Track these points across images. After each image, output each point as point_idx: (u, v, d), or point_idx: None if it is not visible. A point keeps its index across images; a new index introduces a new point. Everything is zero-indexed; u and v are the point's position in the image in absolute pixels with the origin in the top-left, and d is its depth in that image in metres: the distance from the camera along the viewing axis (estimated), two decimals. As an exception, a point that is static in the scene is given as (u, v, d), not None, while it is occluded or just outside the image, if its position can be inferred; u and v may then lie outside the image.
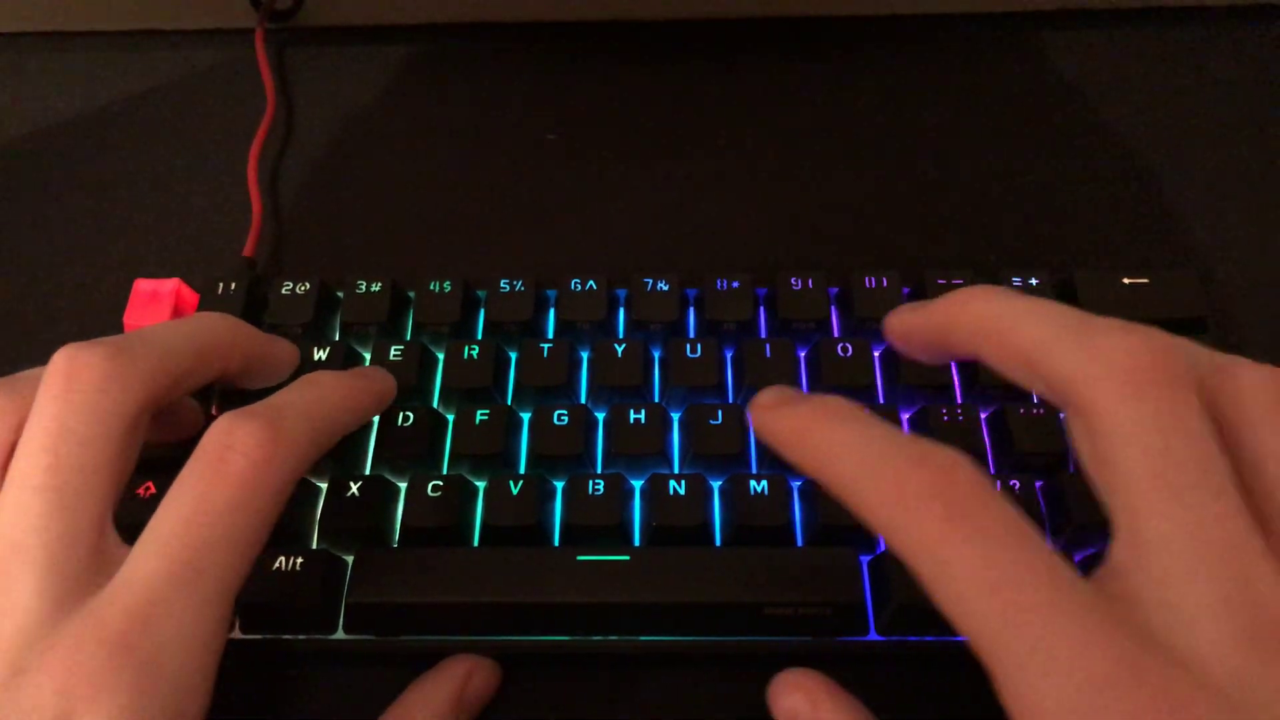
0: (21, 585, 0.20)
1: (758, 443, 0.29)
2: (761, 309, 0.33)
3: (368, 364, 0.31)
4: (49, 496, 0.21)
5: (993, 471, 0.29)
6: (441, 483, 0.28)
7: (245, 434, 0.22)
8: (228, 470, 0.21)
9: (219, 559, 0.21)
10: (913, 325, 0.24)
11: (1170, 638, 0.16)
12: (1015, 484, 0.28)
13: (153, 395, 0.23)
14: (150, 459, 0.24)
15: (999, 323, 0.21)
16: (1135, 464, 0.18)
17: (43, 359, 0.35)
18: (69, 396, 0.21)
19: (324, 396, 0.25)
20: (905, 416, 0.30)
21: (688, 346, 0.31)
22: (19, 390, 0.23)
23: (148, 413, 0.23)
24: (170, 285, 0.33)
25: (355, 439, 0.30)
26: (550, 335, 0.33)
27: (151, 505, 0.24)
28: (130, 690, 0.19)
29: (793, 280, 0.32)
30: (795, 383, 0.30)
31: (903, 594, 0.26)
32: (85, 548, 0.21)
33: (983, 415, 0.30)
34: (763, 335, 0.33)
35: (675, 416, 0.31)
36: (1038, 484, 0.28)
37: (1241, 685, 0.16)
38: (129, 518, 0.22)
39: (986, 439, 0.29)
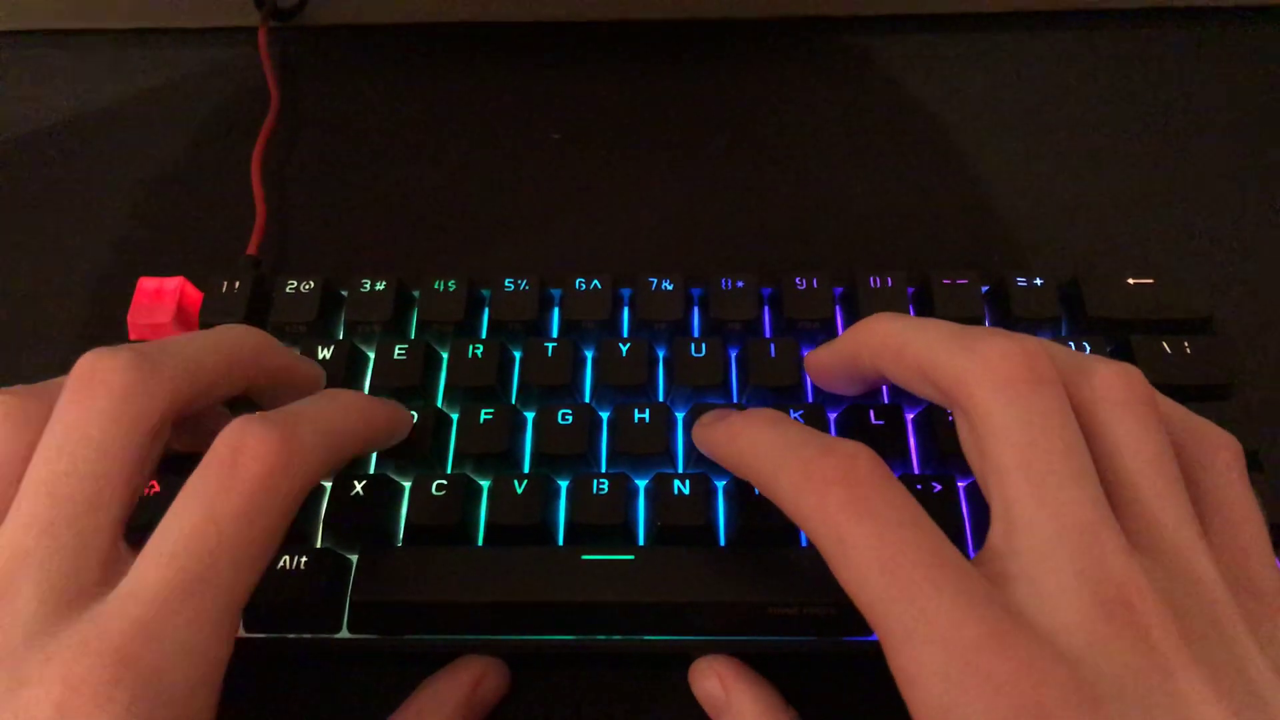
0: (26, 593, 0.19)
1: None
2: (766, 309, 0.33)
3: (372, 363, 0.31)
4: (61, 505, 0.20)
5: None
6: (446, 482, 0.28)
7: (257, 439, 0.21)
8: (238, 476, 0.21)
9: (225, 570, 0.20)
10: (825, 361, 0.27)
11: (1035, 611, 0.18)
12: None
13: (174, 405, 0.22)
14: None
15: (895, 339, 0.24)
16: (1006, 456, 0.20)
17: (47, 358, 0.36)
18: (90, 402, 0.21)
19: (341, 410, 0.25)
20: (910, 416, 0.30)
21: (692, 346, 0.31)
22: (43, 396, 0.22)
23: (168, 423, 0.22)
24: (174, 283, 0.33)
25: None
26: (555, 334, 0.33)
27: (155, 504, 0.24)
28: (130, 704, 0.18)
29: (797, 280, 0.32)
30: (800, 383, 0.30)
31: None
32: (94, 558, 0.20)
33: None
34: (767, 335, 0.33)
35: (680, 416, 0.31)
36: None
37: (1095, 653, 0.17)
38: (131, 518, 0.22)
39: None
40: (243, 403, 0.26)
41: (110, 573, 0.20)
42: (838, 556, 0.20)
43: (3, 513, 0.21)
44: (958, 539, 0.27)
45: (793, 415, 0.29)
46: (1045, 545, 0.19)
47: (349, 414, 0.25)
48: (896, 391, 0.30)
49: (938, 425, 0.29)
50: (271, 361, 0.26)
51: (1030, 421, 0.20)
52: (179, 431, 0.24)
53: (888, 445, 0.29)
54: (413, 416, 0.28)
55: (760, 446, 0.23)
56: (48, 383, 0.23)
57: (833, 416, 0.30)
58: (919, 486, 0.28)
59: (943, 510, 0.27)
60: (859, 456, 0.20)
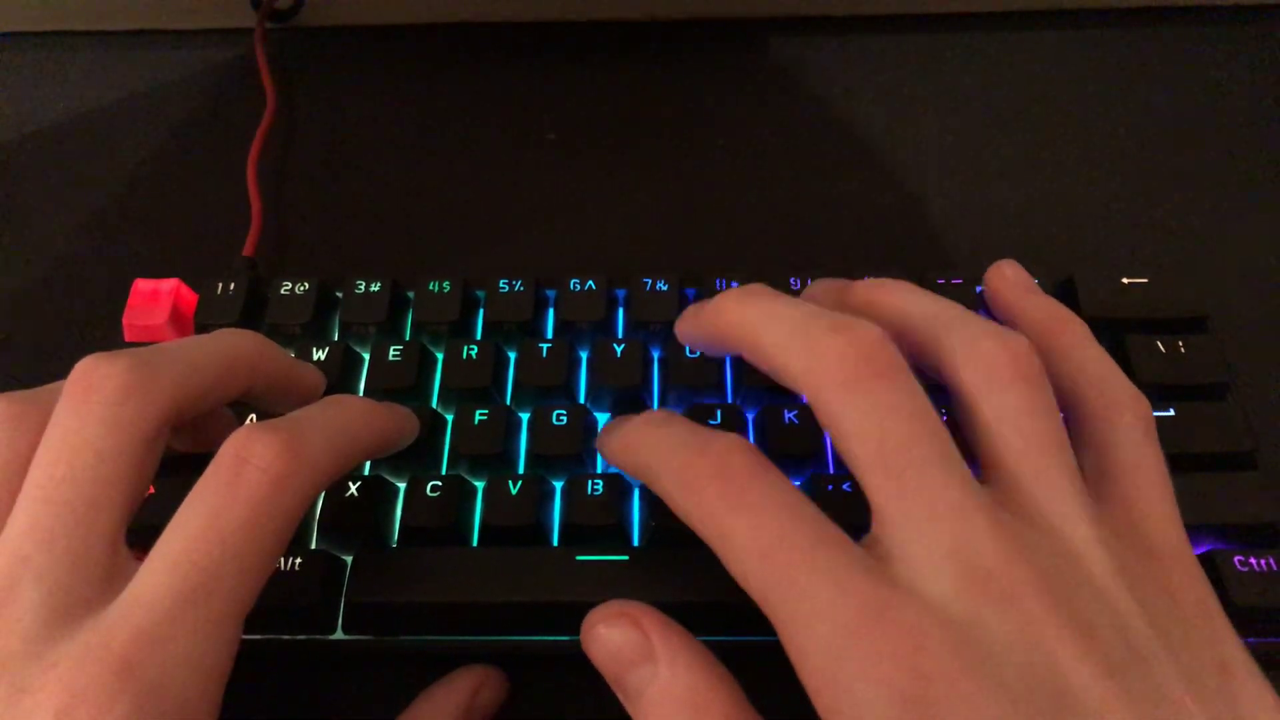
0: (26, 600, 0.19)
1: (758, 446, 0.29)
2: (761, 309, 0.33)
3: (367, 364, 0.31)
4: (61, 510, 0.20)
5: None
6: (440, 483, 0.28)
7: (263, 446, 0.21)
8: (242, 485, 0.21)
9: (229, 579, 0.20)
10: (689, 329, 0.26)
11: (912, 585, 0.19)
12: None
13: (174, 410, 0.22)
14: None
15: (747, 330, 0.23)
16: (861, 453, 0.20)
17: (42, 359, 0.36)
18: (88, 408, 0.21)
19: (347, 417, 0.24)
20: None
21: (686, 347, 0.31)
22: (41, 401, 0.22)
23: (168, 427, 0.22)
24: (170, 285, 0.33)
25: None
26: (549, 335, 0.33)
27: (153, 507, 0.24)
28: (132, 713, 0.18)
29: (793, 281, 0.32)
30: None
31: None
32: (95, 564, 0.20)
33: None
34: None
35: (674, 416, 0.31)
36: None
37: (971, 620, 0.18)
38: (133, 520, 0.22)
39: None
40: (243, 406, 0.26)
41: (112, 579, 0.20)
42: (722, 552, 0.20)
43: (2, 520, 0.21)
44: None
45: (787, 416, 0.29)
46: (915, 529, 0.19)
47: (355, 421, 0.25)
48: None
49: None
50: (269, 366, 0.26)
51: (875, 417, 0.20)
52: (180, 434, 0.24)
53: (805, 445, 0.29)
54: (418, 422, 0.28)
55: (644, 451, 0.23)
56: (45, 387, 0.23)
57: (751, 416, 0.30)
58: (830, 487, 0.28)
59: (854, 511, 0.27)
60: (732, 451, 0.21)
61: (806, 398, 0.22)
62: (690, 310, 0.26)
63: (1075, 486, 0.21)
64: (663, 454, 0.22)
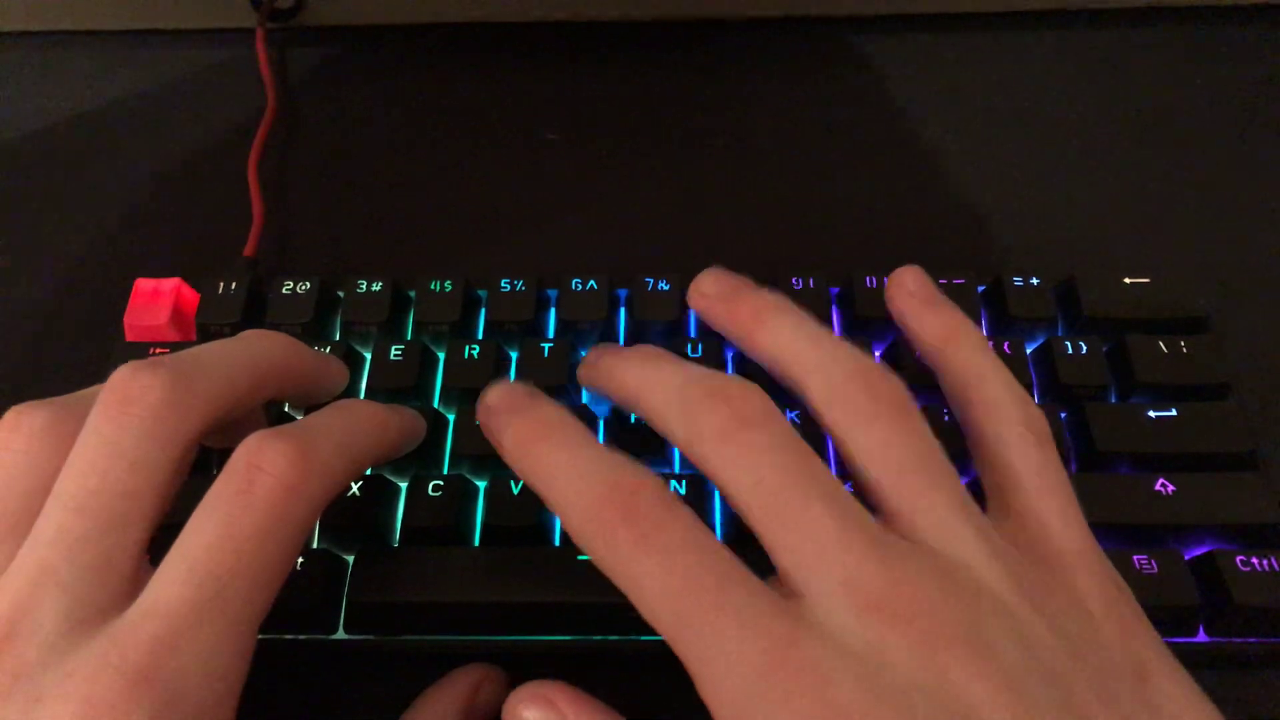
0: (48, 609, 0.19)
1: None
2: (762, 309, 0.33)
3: (368, 364, 0.31)
4: (89, 521, 0.20)
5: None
6: (442, 482, 0.28)
7: (276, 454, 0.21)
8: (256, 493, 0.21)
9: (244, 588, 0.20)
10: (588, 383, 0.27)
11: (814, 619, 0.19)
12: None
13: (208, 421, 0.22)
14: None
15: (633, 395, 0.24)
16: (741, 501, 0.20)
17: (44, 359, 0.36)
18: (125, 419, 0.21)
19: (358, 423, 0.25)
20: None
21: (688, 346, 0.31)
22: (74, 409, 0.22)
23: (200, 438, 0.22)
24: (171, 284, 0.33)
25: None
26: (551, 335, 0.33)
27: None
28: None
29: (794, 280, 0.32)
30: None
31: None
32: (117, 575, 0.20)
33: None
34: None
35: (676, 416, 0.31)
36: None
37: (869, 650, 0.18)
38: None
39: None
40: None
41: (133, 588, 0.20)
42: (633, 595, 0.20)
43: (29, 524, 0.21)
44: None
45: (789, 416, 0.29)
46: (806, 565, 0.19)
47: (365, 426, 0.25)
48: None
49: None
50: (299, 369, 0.26)
51: (750, 464, 0.20)
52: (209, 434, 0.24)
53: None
54: (425, 424, 0.28)
55: (551, 471, 0.22)
56: (78, 394, 0.23)
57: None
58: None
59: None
60: (642, 489, 0.20)
61: (692, 463, 0.22)
62: (589, 358, 0.27)
63: (959, 506, 0.21)
64: (568, 484, 0.21)
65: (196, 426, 0.22)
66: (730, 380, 0.22)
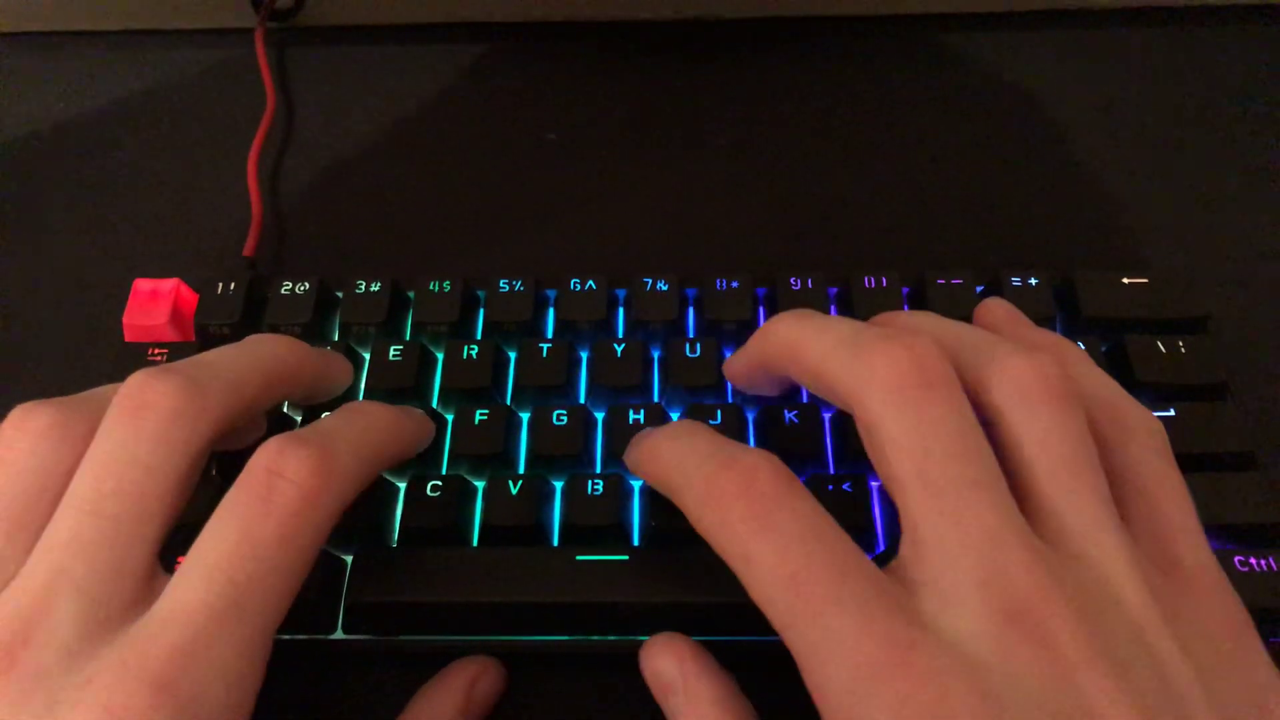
0: (64, 613, 0.19)
1: (758, 446, 0.29)
2: (761, 309, 0.33)
3: (367, 364, 0.31)
4: (104, 524, 0.20)
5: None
6: (440, 482, 0.28)
7: (297, 461, 0.21)
8: (275, 500, 0.21)
9: (263, 594, 0.20)
10: (739, 368, 0.26)
11: (940, 620, 0.18)
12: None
13: (221, 428, 0.22)
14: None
15: (791, 348, 0.23)
16: (902, 467, 0.20)
17: (43, 359, 0.36)
18: (140, 424, 0.21)
19: (373, 425, 0.25)
20: (827, 416, 0.30)
21: (687, 346, 0.31)
22: (86, 410, 0.22)
23: (213, 444, 0.23)
24: (170, 285, 0.33)
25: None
26: (550, 335, 0.33)
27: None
28: None
29: (792, 280, 0.32)
30: (795, 384, 0.30)
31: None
32: (133, 579, 0.20)
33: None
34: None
35: (674, 416, 0.31)
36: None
37: (999, 660, 0.17)
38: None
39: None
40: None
41: (147, 593, 0.20)
42: (744, 574, 0.19)
43: (36, 523, 0.21)
44: (868, 539, 0.27)
45: (788, 417, 0.29)
46: (948, 554, 0.19)
47: (380, 430, 0.25)
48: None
49: (849, 425, 0.29)
50: (308, 370, 0.26)
51: (923, 430, 0.20)
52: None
53: (805, 446, 0.29)
54: (434, 425, 0.28)
55: (668, 463, 0.22)
56: (85, 395, 0.23)
57: (751, 416, 0.30)
58: (830, 487, 0.27)
59: (854, 511, 0.27)
60: (760, 468, 0.20)
61: (850, 405, 0.21)
62: (738, 351, 0.26)
63: (1108, 510, 0.20)
64: (686, 467, 0.21)
65: (210, 433, 0.22)
66: (911, 332, 0.21)
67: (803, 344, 0.23)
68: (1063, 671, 0.17)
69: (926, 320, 0.24)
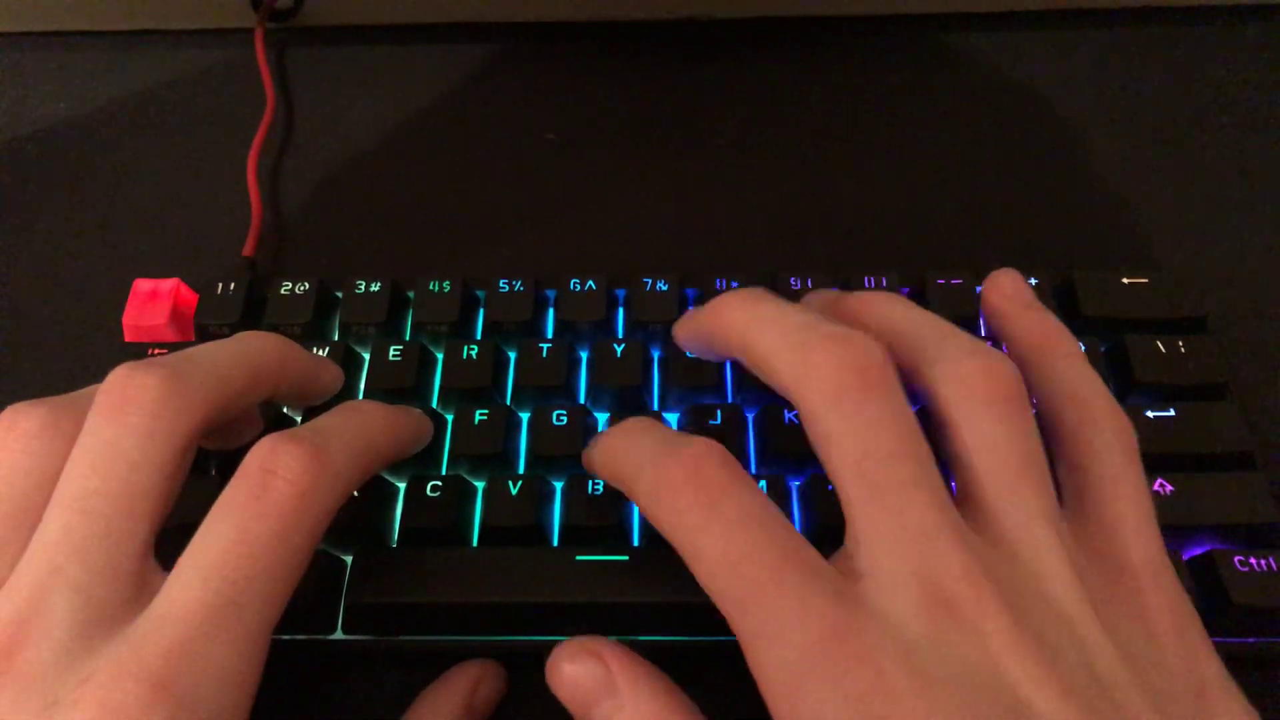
0: (59, 612, 0.19)
1: (758, 446, 0.29)
2: (761, 309, 0.33)
3: (367, 364, 0.31)
4: (94, 520, 0.20)
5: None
6: (440, 483, 0.28)
7: (291, 458, 0.21)
8: (269, 497, 0.21)
9: (259, 592, 0.20)
10: (686, 335, 0.26)
11: (877, 606, 0.19)
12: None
13: (206, 420, 0.22)
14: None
15: (743, 334, 0.23)
16: (842, 465, 0.20)
17: (43, 359, 0.36)
18: (123, 419, 0.21)
19: (368, 424, 0.25)
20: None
21: (687, 346, 0.31)
22: (72, 409, 0.22)
23: (199, 437, 0.22)
24: (170, 285, 0.33)
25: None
26: (549, 335, 0.33)
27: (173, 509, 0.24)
28: None
29: (792, 280, 0.32)
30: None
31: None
32: (126, 575, 0.20)
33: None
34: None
35: (674, 417, 0.31)
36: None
37: (930, 644, 0.18)
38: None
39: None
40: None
41: (140, 590, 0.20)
42: (691, 560, 0.20)
43: (29, 524, 0.21)
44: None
45: (787, 416, 0.29)
46: (886, 547, 0.19)
47: (375, 428, 0.25)
48: None
49: None
50: (294, 369, 0.26)
51: (862, 431, 0.20)
52: (210, 435, 0.24)
53: (804, 446, 0.28)
54: (432, 424, 0.28)
55: (620, 458, 0.23)
56: (75, 394, 0.23)
57: (750, 415, 0.30)
58: (830, 487, 0.26)
59: None
60: (707, 457, 0.20)
61: (793, 400, 0.22)
62: (689, 314, 0.26)
63: (1046, 510, 0.21)
64: (638, 460, 0.22)
65: (194, 424, 0.22)
66: (854, 331, 0.21)
67: (750, 333, 0.23)
68: (989, 653, 0.18)
69: (885, 306, 0.24)
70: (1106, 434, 0.22)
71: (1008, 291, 0.27)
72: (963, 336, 0.23)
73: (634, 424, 0.24)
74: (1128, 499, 0.22)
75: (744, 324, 0.23)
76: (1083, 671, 0.18)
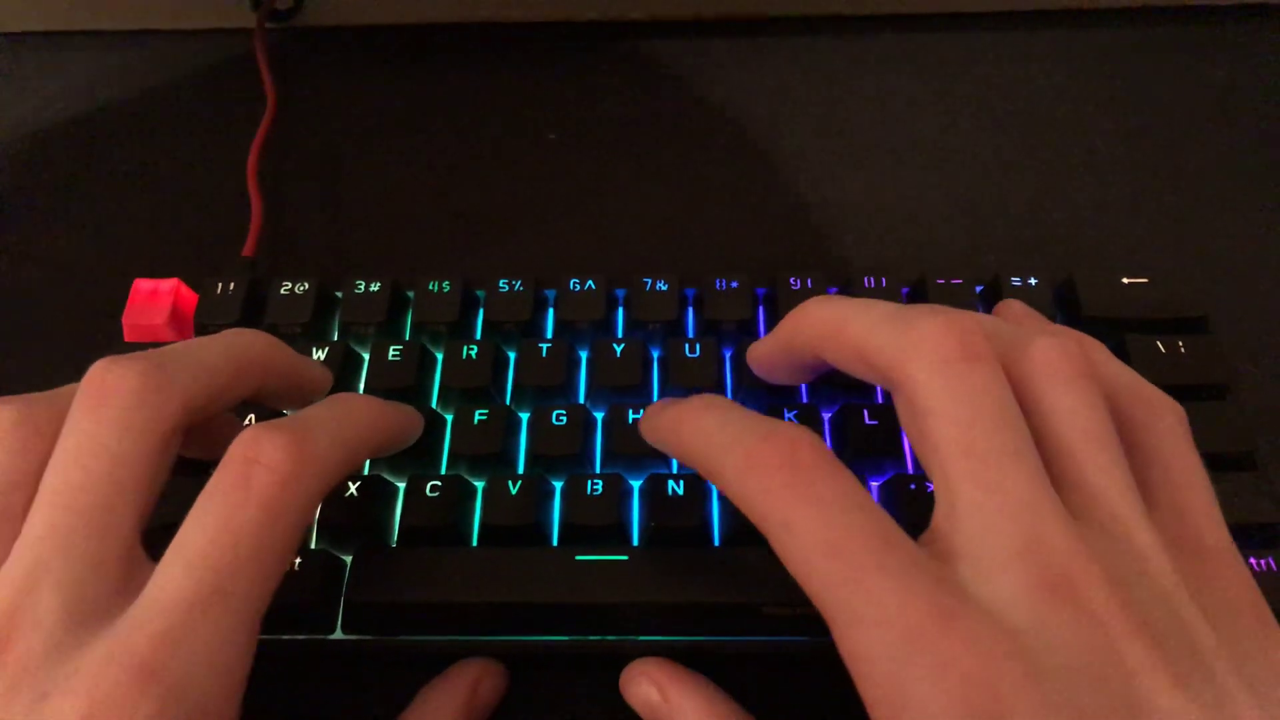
0: (47, 606, 0.19)
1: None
2: (761, 309, 0.33)
3: (366, 364, 0.31)
4: (79, 515, 0.20)
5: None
6: (440, 482, 0.28)
7: (272, 447, 0.21)
8: (253, 486, 0.21)
9: (245, 580, 0.20)
10: (764, 351, 0.27)
11: (979, 589, 0.18)
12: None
13: (188, 412, 0.22)
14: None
15: (832, 325, 0.23)
16: (945, 435, 0.20)
17: (42, 359, 0.36)
18: (103, 412, 0.21)
19: (353, 414, 0.24)
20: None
21: (686, 346, 0.31)
22: (54, 405, 0.22)
23: (182, 430, 0.22)
24: (170, 285, 0.33)
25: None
26: (549, 335, 0.33)
27: (160, 506, 0.24)
28: (156, 717, 0.18)
29: (792, 280, 0.32)
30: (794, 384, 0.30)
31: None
32: (113, 568, 0.20)
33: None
34: (761, 335, 0.33)
35: (674, 416, 0.31)
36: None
37: (1039, 627, 0.18)
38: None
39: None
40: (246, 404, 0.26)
41: (128, 582, 0.20)
42: (783, 542, 0.20)
43: (19, 524, 0.21)
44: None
45: (787, 416, 0.29)
46: (986, 524, 0.19)
47: (360, 419, 0.25)
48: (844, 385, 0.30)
49: (849, 424, 0.29)
50: (279, 365, 0.26)
51: (967, 400, 0.20)
52: (189, 439, 0.24)
53: (883, 445, 0.29)
54: (422, 419, 0.28)
55: (704, 433, 0.22)
56: (57, 391, 0.23)
57: (827, 416, 0.30)
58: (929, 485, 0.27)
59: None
60: (801, 441, 0.20)
61: (892, 377, 0.21)
62: (760, 340, 0.27)
63: (1132, 486, 0.20)
64: (724, 439, 0.21)
65: (175, 416, 0.22)
66: (952, 308, 0.22)
67: (845, 320, 0.23)
68: (1103, 640, 0.17)
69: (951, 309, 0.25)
70: (1168, 419, 0.22)
71: (1020, 313, 0.28)
72: (1032, 320, 0.23)
73: (714, 400, 0.23)
74: (1196, 485, 0.22)
75: (839, 314, 0.23)
76: (1186, 655, 0.18)
